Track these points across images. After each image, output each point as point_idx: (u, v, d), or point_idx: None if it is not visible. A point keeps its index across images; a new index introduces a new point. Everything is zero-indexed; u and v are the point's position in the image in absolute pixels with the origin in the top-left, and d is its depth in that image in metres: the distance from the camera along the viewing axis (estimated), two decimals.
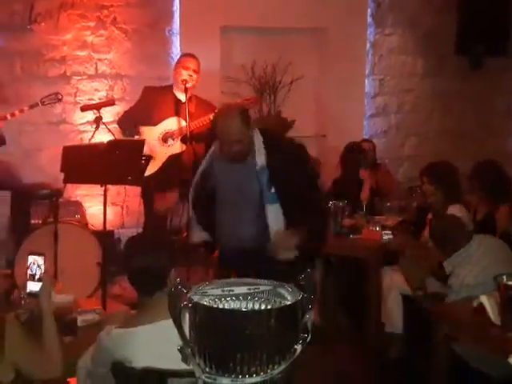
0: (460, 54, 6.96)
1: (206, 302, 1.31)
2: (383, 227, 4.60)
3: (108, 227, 4.42)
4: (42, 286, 2.64)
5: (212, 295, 1.33)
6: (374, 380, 4.13)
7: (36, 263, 2.97)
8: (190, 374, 1.39)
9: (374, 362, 4.20)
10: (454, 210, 4.11)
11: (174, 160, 4.81)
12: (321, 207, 3.91)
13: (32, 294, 2.88)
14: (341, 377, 4.11)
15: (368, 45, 6.73)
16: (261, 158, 3.40)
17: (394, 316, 4.24)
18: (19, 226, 5.05)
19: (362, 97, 6.74)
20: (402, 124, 7.04)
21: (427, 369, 3.41)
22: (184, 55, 5.09)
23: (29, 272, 2.98)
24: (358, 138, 6.01)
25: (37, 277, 2.94)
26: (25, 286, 3.02)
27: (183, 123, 4.76)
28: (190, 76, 4.83)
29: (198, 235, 3.66)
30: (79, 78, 5.77)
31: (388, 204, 4.77)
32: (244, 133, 3.36)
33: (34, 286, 2.91)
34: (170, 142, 4.84)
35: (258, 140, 3.44)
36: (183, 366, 1.36)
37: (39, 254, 3.01)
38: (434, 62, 7.00)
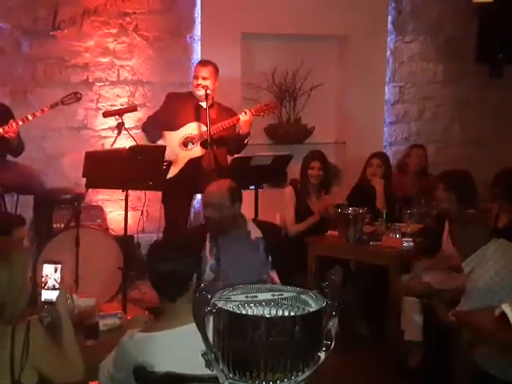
0: (481, 62, 6.92)
1: (229, 307, 1.31)
2: (403, 234, 4.59)
3: (128, 232, 4.45)
4: (59, 295, 2.64)
5: (236, 301, 1.34)
6: None
7: (51, 272, 2.86)
8: (212, 379, 1.40)
9: (394, 370, 4.18)
10: None
11: (193, 164, 4.86)
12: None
13: (47, 303, 2.80)
14: None
15: (388, 52, 6.72)
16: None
17: (413, 324, 4.21)
18: (42, 230, 5.10)
19: (382, 104, 6.72)
20: (421, 131, 7.01)
21: (447, 377, 3.39)
22: (197, 63, 5.14)
23: (43, 281, 2.87)
24: (378, 145, 6.00)
25: (56, 286, 2.82)
26: (40, 294, 2.96)
27: (203, 128, 4.80)
28: (199, 84, 4.84)
29: None
30: (101, 84, 5.82)
31: (408, 211, 4.75)
32: (224, 201, 3.63)
33: (48, 295, 2.81)
34: (190, 146, 4.88)
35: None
36: (205, 372, 1.36)
37: (55, 262, 2.90)
38: (454, 69, 6.96)
